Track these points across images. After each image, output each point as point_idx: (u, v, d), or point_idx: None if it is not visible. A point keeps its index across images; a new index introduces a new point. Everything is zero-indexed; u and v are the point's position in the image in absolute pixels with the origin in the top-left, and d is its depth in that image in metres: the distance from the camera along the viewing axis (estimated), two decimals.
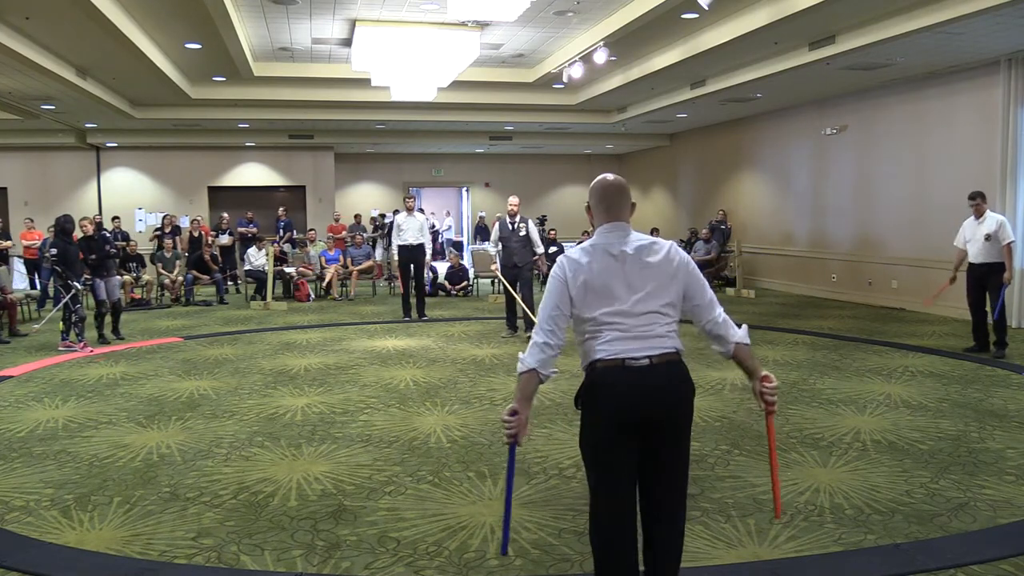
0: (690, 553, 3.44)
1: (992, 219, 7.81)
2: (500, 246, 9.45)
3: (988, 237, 7.74)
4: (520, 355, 2.66)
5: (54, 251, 8.74)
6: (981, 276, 7.87)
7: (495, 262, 9.60)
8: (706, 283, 2.68)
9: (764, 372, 2.66)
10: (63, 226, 8.85)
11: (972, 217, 7.98)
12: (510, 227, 9.38)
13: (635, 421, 2.50)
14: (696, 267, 2.70)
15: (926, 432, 5.20)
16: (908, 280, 11.20)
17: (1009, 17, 7.61)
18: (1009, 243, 7.66)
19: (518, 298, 9.21)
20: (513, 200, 9.60)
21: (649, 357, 2.52)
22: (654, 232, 17.36)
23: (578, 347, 2.68)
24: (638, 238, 2.66)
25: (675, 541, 2.64)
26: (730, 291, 13.91)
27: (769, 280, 14.63)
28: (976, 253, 7.87)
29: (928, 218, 10.83)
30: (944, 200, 10.52)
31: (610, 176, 2.78)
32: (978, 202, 7.89)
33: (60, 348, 8.68)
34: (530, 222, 9.51)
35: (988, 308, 7.95)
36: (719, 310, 2.65)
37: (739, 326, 2.69)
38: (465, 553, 3.45)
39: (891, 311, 11.13)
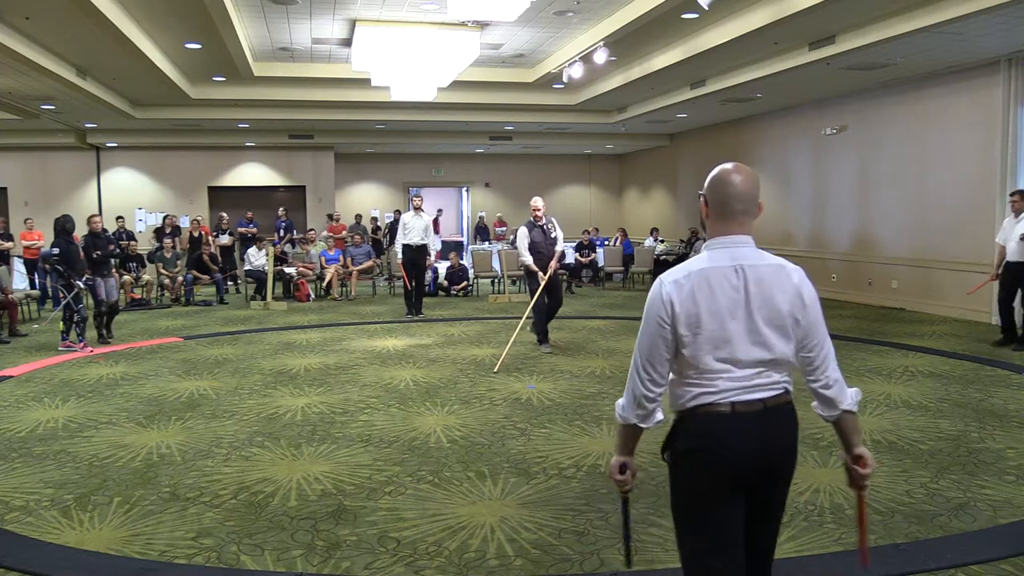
0: None
1: None
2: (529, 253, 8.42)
3: (1023, 237, 7.80)
4: (618, 403, 2.27)
5: (55, 250, 8.74)
6: (1016, 274, 7.90)
7: (540, 274, 8.31)
8: (827, 331, 2.19)
9: (861, 450, 2.20)
10: (64, 226, 8.84)
11: (1012, 215, 8.04)
12: (541, 230, 8.46)
13: (747, 474, 2.10)
14: (820, 307, 2.19)
15: (926, 432, 5.20)
16: (908, 280, 11.20)
17: (1009, 17, 7.61)
18: None
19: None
20: (538, 203, 8.63)
21: (763, 400, 2.11)
22: (653, 232, 17.42)
23: (671, 385, 2.21)
24: (761, 260, 2.15)
25: None
26: None
27: None
28: (1013, 251, 7.93)
29: (928, 218, 10.83)
30: (944, 200, 10.53)
31: (741, 169, 2.20)
32: (1016, 199, 7.92)
33: (60, 348, 8.67)
34: (554, 220, 8.70)
35: (1018, 303, 8.06)
36: (834, 367, 2.18)
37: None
38: (465, 553, 3.45)
39: (891, 311, 11.13)
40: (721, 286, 2.11)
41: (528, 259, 8.36)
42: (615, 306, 12.32)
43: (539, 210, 8.56)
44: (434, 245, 11.07)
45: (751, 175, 2.19)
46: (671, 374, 2.18)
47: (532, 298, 8.44)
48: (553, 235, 8.51)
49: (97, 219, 9.37)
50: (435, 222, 17.25)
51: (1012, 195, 8.11)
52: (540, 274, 8.30)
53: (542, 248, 8.41)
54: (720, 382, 2.09)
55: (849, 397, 2.20)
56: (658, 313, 2.14)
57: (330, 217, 16.98)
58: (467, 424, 5.53)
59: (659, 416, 2.21)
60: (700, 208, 2.28)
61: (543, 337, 8.54)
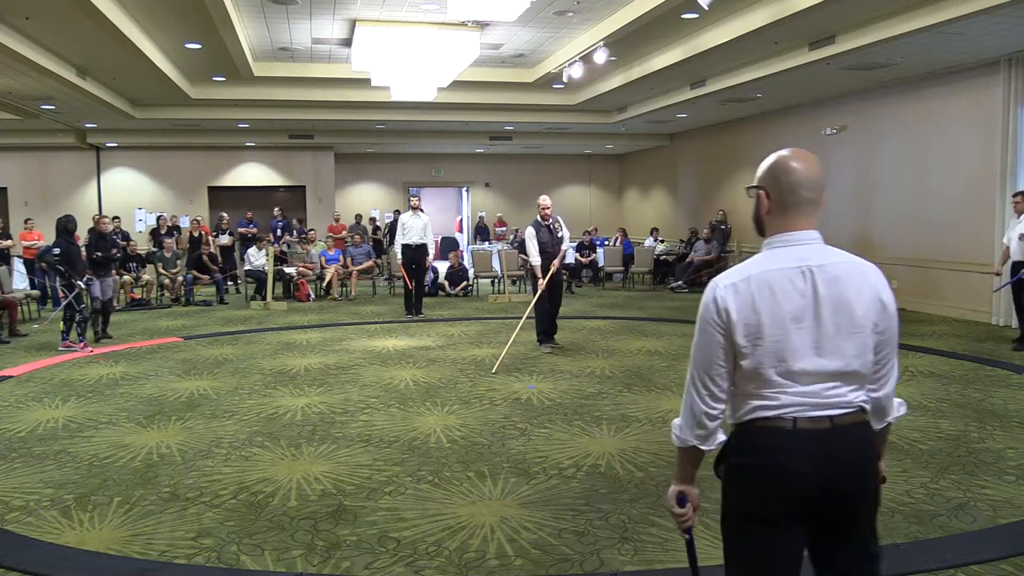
0: None
1: None
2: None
3: (1022, 236, 7.87)
4: (674, 424, 2.01)
5: (57, 251, 8.73)
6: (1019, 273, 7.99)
7: (540, 276, 8.28)
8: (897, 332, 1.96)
9: (882, 463, 2.03)
10: (65, 226, 8.83)
11: (1015, 215, 8.13)
12: (548, 230, 8.41)
13: (807, 501, 1.84)
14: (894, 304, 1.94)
15: (926, 432, 5.20)
16: (908, 280, 11.19)
17: (1009, 17, 7.61)
18: None
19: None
20: (546, 201, 8.53)
21: (830, 418, 1.86)
22: (653, 232, 17.42)
23: (729, 396, 1.97)
24: (831, 258, 1.89)
25: None
26: None
27: None
28: (1015, 251, 8.00)
29: (928, 218, 10.83)
30: (944, 200, 10.53)
31: (803, 153, 1.94)
32: (1018, 200, 8.01)
33: (60, 348, 8.67)
34: (560, 219, 8.66)
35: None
36: (896, 377, 2.01)
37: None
38: (465, 553, 3.45)
39: None
40: (785, 290, 1.86)
41: (537, 260, 8.32)
42: (615, 306, 12.31)
43: (548, 208, 8.50)
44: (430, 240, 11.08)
45: (815, 159, 1.94)
46: (732, 385, 1.95)
47: (534, 297, 8.42)
48: (560, 234, 8.47)
49: (105, 220, 9.58)
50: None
51: (1015, 196, 8.17)
52: (541, 279, 8.25)
53: (549, 248, 8.37)
54: (783, 396, 1.86)
55: (896, 409, 2.04)
56: (713, 321, 1.89)
57: (336, 221, 17.05)
58: (467, 424, 5.53)
59: (721, 437, 1.98)
60: (758, 203, 1.98)
61: (543, 337, 8.53)
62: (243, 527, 3.76)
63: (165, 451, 4.99)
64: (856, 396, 1.90)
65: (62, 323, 8.79)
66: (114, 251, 9.40)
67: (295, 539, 3.62)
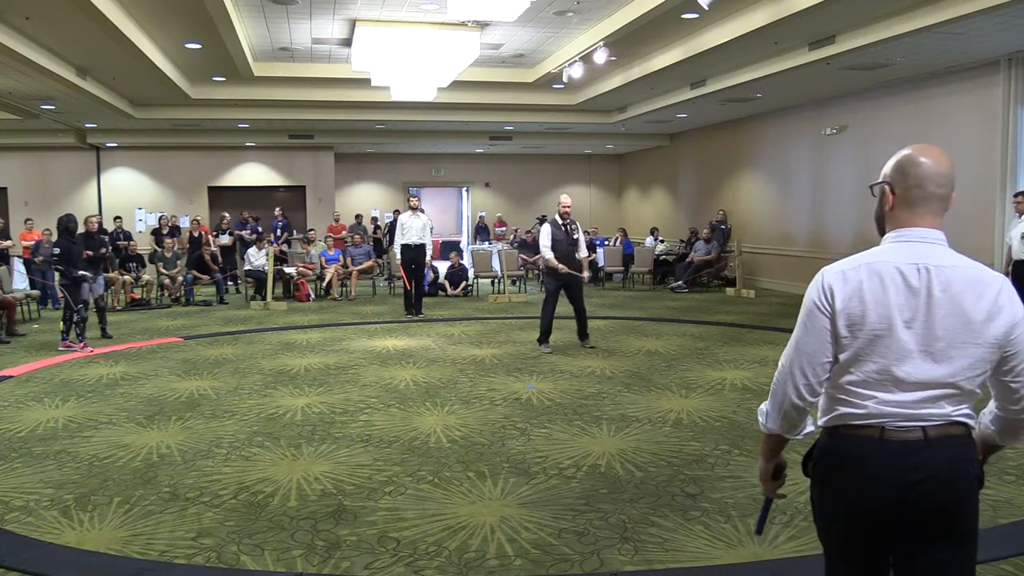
0: (690, 553, 3.44)
1: None
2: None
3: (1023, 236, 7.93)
4: (761, 408, 1.98)
5: (57, 250, 8.70)
6: (1019, 274, 7.98)
7: (559, 269, 8.25)
8: None
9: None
10: (66, 225, 8.80)
11: (1016, 215, 8.17)
12: (563, 229, 8.37)
13: (891, 518, 1.76)
14: None
15: None
16: None
17: (1009, 17, 7.61)
18: None
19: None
20: (566, 200, 8.51)
21: (923, 428, 1.75)
22: (654, 232, 17.42)
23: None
24: (955, 261, 1.79)
25: None
26: (730, 291, 13.91)
27: (769, 280, 14.63)
28: (1017, 250, 8.06)
29: None
30: None
31: (928, 149, 1.85)
32: (1019, 200, 8.06)
33: (60, 348, 8.66)
34: (576, 223, 8.62)
35: None
36: None
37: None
38: (465, 553, 3.45)
39: None
40: (896, 284, 1.75)
41: (549, 255, 8.28)
42: (615, 306, 12.31)
43: (568, 207, 8.47)
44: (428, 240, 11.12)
45: (945, 155, 1.85)
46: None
47: (545, 297, 8.50)
48: (576, 236, 8.43)
49: (93, 219, 9.51)
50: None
51: (1016, 195, 8.21)
52: (560, 268, 8.21)
53: (563, 248, 8.31)
54: (872, 401, 1.77)
55: None
56: (819, 306, 1.80)
57: (336, 221, 17.07)
58: (467, 424, 5.53)
59: (809, 427, 1.93)
60: (882, 198, 1.89)
61: (544, 337, 8.52)
62: (243, 527, 3.76)
63: (165, 451, 4.99)
64: (956, 411, 1.77)
65: (62, 323, 8.77)
66: (103, 250, 9.37)
67: (295, 539, 3.62)
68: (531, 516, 3.85)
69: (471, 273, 14.71)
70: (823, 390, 1.84)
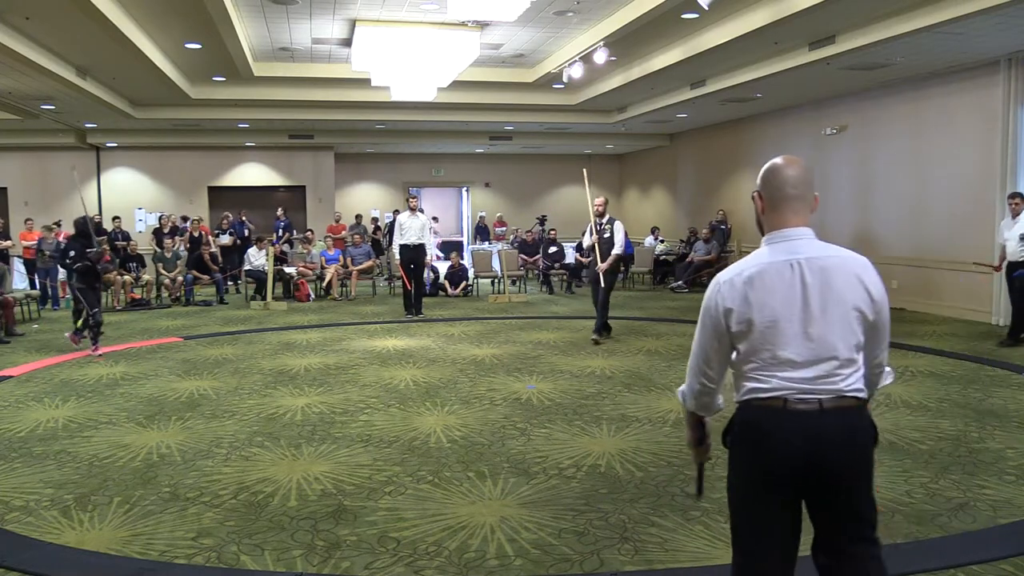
0: (690, 553, 3.44)
1: None
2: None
3: (1022, 237, 8.03)
4: (680, 389, 2.34)
5: (72, 253, 8.38)
6: (1011, 274, 8.15)
7: (579, 261, 9.11)
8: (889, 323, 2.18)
9: None
10: (81, 228, 8.59)
11: (1009, 216, 8.27)
12: (597, 227, 8.95)
13: (795, 478, 2.06)
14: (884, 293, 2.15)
15: (926, 432, 5.20)
16: (908, 280, 11.20)
17: (1009, 17, 7.61)
18: None
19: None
20: (599, 199, 9.17)
21: (819, 400, 2.03)
22: (654, 231, 17.41)
23: (732, 376, 2.22)
24: (822, 252, 2.09)
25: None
26: None
27: None
28: (1012, 252, 8.18)
29: (928, 218, 10.83)
30: (944, 200, 10.53)
31: (789, 159, 2.15)
32: (1017, 202, 8.18)
33: (67, 337, 8.70)
34: (617, 222, 9.07)
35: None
36: (886, 356, 2.23)
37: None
38: (465, 553, 3.45)
39: (891, 311, 11.09)
40: (774, 282, 2.07)
41: (576, 253, 9.06)
42: (615, 306, 12.27)
43: (599, 206, 9.07)
44: (432, 244, 11.14)
45: (802, 163, 2.16)
46: (734, 365, 2.18)
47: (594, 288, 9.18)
48: (606, 235, 8.92)
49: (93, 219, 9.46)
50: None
51: (1011, 197, 8.25)
52: (582, 260, 9.08)
53: (587, 244, 9.06)
54: (775, 380, 2.06)
55: (885, 378, 2.29)
56: (712, 312, 2.14)
57: (336, 221, 17.09)
58: (467, 424, 5.53)
59: (720, 404, 2.28)
60: (756, 206, 2.21)
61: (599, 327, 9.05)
62: (243, 527, 3.76)
63: (165, 451, 4.99)
64: (846, 381, 2.06)
65: (78, 322, 8.62)
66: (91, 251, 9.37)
67: (295, 539, 3.62)
68: (531, 516, 3.85)
69: (471, 273, 14.71)
70: (720, 377, 2.20)
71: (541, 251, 15.37)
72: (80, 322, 8.59)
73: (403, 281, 11.19)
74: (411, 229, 10.74)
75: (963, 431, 5.21)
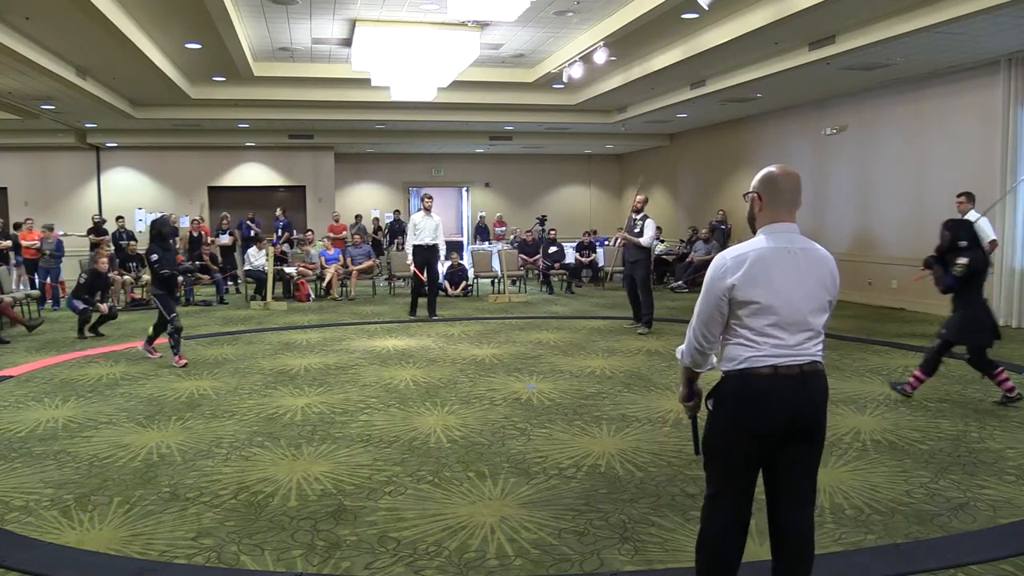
0: (690, 553, 3.43)
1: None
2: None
3: None
4: (679, 348, 2.67)
5: (155, 257, 7.84)
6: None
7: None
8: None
9: None
10: (160, 230, 7.99)
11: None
12: (631, 222, 9.62)
13: (776, 432, 2.47)
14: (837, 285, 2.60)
15: (926, 432, 5.20)
16: (908, 280, 11.19)
17: (1009, 17, 7.62)
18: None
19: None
20: (639, 196, 9.79)
21: (800, 366, 2.46)
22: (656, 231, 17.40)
23: (723, 345, 2.58)
24: (809, 245, 2.53)
25: (811, 529, 2.60)
26: None
27: None
28: None
29: (928, 218, 10.80)
30: (944, 200, 10.51)
31: (783, 168, 2.60)
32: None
33: (142, 349, 8.17)
34: (649, 220, 9.56)
35: None
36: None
37: None
38: (465, 553, 3.45)
39: (891, 311, 11.12)
40: (776, 264, 2.46)
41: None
42: (615, 306, 12.30)
43: (639, 203, 9.64)
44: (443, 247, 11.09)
45: (794, 172, 2.59)
46: (726, 335, 2.54)
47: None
48: (636, 230, 9.50)
49: (103, 256, 9.40)
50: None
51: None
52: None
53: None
54: (767, 348, 2.45)
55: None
56: (719, 282, 2.48)
57: (336, 221, 17.08)
58: (467, 424, 5.53)
59: (713, 362, 2.61)
60: (753, 204, 2.59)
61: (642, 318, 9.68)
62: (243, 527, 3.76)
63: (165, 451, 4.99)
64: (817, 349, 2.52)
65: (152, 329, 8.15)
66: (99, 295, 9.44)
67: (295, 539, 3.62)
68: (531, 516, 3.85)
69: (471, 273, 14.71)
70: (717, 341, 2.55)
71: (541, 251, 15.38)
72: (152, 329, 8.10)
73: (414, 281, 11.06)
74: (425, 230, 10.68)
75: (963, 431, 5.21)
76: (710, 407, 2.58)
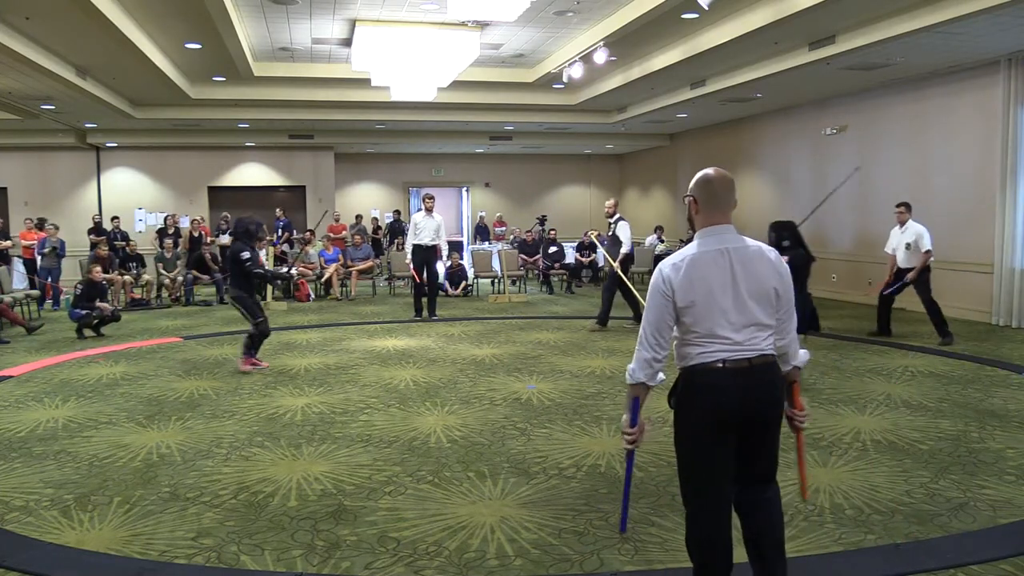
0: None
1: (912, 229, 8.57)
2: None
3: (908, 246, 8.53)
4: (629, 367, 2.69)
5: (246, 255, 7.37)
6: (900, 278, 8.69)
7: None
8: (793, 294, 2.68)
9: (801, 400, 2.81)
10: (247, 228, 7.56)
11: (897, 226, 8.74)
12: (609, 229, 9.94)
13: (735, 421, 2.56)
14: (789, 275, 2.68)
15: (926, 432, 5.20)
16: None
17: (1009, 17, 7.61)
18: (927, 251, 8.43)
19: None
20: (608, 202, 10.39)
21: (749, 359, 2.55)
22: (658, 231, 17.41)
23: (676, 347, 2.67)
24: (743, 243, 2.62)
25: (778, 503, 2.75)
26: None
27: None
28: (901, 259, 8.67)
29: (928, 218, 10.76)
30: (944, 200, 10.52)
31: (717, 170, 2.70)
32: (902, 211, 8.69)
33: (243, 367, 7.44)
34: (623, 221, 9.92)
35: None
36: (793, 328, 2.69)
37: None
38: (465, 553, 3.45)
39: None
40: (710, 267, 2.56)
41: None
42: (615, 306, 12.28)
43: (608, 208, 10.18)
44: (444, 248, 11.08)
45: (727, 174, 2.71)
46: (676, 339, 2.64)
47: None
48: (611, 232, 9.86)
49: (97, 270, 9.47)
50: None
51: (898, 206, 8.76)
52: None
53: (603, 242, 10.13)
54: (714, 345, 2.55)
55: (800, 357, 2.76)
56: (660, 292, 2.59)
57: (336, 221, 17.08)
58: (467, 424, 5.53)
59: (662, 376, 2.67)
60: (689, 207, 2.72)
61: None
62: (243, 527, 3.76)
63: (165, 451, 4.99)
64: (766, 343, 2.59)
65: (247, 339, 7.61)
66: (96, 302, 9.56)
67: (295, 539, 3.62)
68: (531, 516, 3.85)
69: (471, 273, 14.70)
70: (668, 347, 2.62)
71: (541, 251, 15.37)
72: (250, 338, 7.53)
73: (413, 281, 11.05)
74: (426, 230, 10.67)
75: (963, 431, 5.21)
76: (672, 405, 2.68)
